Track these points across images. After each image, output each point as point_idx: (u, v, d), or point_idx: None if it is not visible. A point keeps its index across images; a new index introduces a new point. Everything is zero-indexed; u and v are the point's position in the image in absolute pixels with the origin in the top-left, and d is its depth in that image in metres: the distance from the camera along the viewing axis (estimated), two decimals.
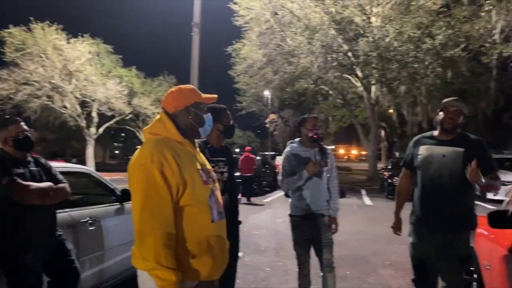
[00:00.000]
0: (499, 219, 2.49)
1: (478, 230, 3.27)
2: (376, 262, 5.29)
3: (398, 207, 3.01)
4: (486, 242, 3.02)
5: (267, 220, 8.64)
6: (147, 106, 27.07)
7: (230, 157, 3.05)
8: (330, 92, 23.43)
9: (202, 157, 1.89)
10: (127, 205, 3.89)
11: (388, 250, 5.84)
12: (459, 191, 2.61)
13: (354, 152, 80.00)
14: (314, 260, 3.34)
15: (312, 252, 3.34)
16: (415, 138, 2.94)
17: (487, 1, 14.18)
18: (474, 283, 3.25)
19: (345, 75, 20.35)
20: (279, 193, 13.63)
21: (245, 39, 21.33)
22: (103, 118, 25.32)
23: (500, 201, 10.75)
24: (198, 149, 1.89)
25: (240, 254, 5.63)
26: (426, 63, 16.50)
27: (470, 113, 24.25)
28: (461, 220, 2.63)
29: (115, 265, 3.63)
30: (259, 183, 14.55)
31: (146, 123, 29.40)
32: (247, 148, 13.98)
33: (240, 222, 3.07)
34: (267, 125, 38.39)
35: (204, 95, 1.89)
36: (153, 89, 29.15)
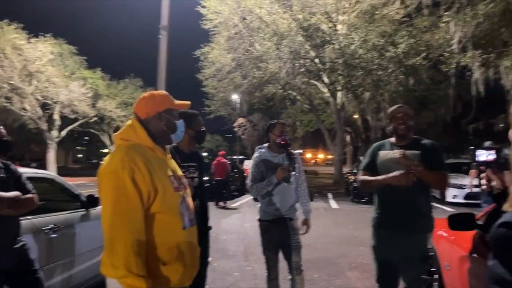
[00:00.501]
0: (458, 222, 2.62)
1: (439, 232, 3.42)
2: (342, 264, 5.40)
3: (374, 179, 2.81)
4: (446, 244, 3.17)
5: (236, 225, 8.64)
6: (112, 109, 26.44)
7: (200, 162, 3.05)
8: (298, 97, 23.78)
9: (173, 163, 1.88)
10: (93, 211, 3.79)
11: (354, 253, 5.98)
12: (417, 193, 2.71)
13: (321, 156, 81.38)
14: (282, 264, 3.39)
15: (280, 255, 3.39)
16: (374, 145, 3.04)
17: (446, 13, 14.88)
18: (435, 283, 3.40)
19: (312, 81, 20.72)
20: (248, 198, 13.65)
21: (213, 43, 21.29)
22: (65, 121, 24.50)
23: (458, 204, 11.32)
24: (169, 155, 1.88)
25: (209, 259, 5.60)
26: (389, 70, 17.07)
27: (430, 119, 25.34)
28: (420, 222, 2.74)
29: (81, 272, 3.53)
30: (228, 188, 14.53)
31: (111, 126, 28.73)
32: (221, 152, 14.00)
33: (210, 228, 3.07)
34: (236, 129, 38.42)
35: (177, 102, 1.89)
36: (119, 91, 28.52)
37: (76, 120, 24.62)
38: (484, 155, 1.63)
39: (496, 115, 24.07)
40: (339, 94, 20.53)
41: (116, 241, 1.53)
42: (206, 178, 13.98)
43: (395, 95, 19.54)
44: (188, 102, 1.93)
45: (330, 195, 15.72)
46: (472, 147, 1.72)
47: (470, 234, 2.71)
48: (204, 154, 51.95)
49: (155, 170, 1.65)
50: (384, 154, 2.86)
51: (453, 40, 14.67)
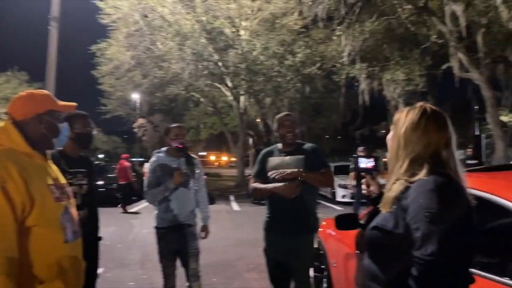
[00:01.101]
0: (343, 222, 2.83)
1: (327, 231, 3.68)
2: (241, 266, 5.49)
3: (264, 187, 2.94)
4: (334, 242, 3.41)
5: (133, 231, 8.23)
6: None
7: (90, 167, 2.83)
8: (201, 99, 23.69)
9: (55, 170, 1.71)
10: None
11: (252, 254, 6.10)
12: (305, 196, 2.85)
13: (224, 158, 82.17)
14: (180, 271, 3.32)
15: (178, 262, 3.32)
16: (263, 152, 3.13)
17: (338, 27, 16.17)
18: (325, 280, 3.64)
19: (215, 84, 20.81)
20: (146, 202, 13.15)
21: (111, 38, 20.14)
22: None
23: (346, 203, 12.36)
24: (50, 161, 1.71)
25: (100, 270, 5.24)
26: (288, 78, 17.97)
27: (324, 124, 27.32)
28: (306, 224, 2.89)
29: None
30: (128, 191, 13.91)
31: None
32: (124, 155, 13.48)
33: (100, 238, 2.86)
34: (135, 130, 36.78)
35: (61, 103, 1.73)
36: None
37: None
38: (364, 162, 1.79)
39: (378, 122, 26.94)
40: (242, 98, 20.96)
41: None
42: (100, 182, 13.33)
43: (293, 101, 20.64)
44: (74, 104, 1.78)
45: (232, 197, 15.91)
46: (354, 155, 1.89)
47: (354, 232, 2.96)
48: (100, 155, 48.66)
49: (31, 178, 1.48)
50: (273, 160, 2.95)
51: (344, 53, 15.99)
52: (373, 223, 1.40)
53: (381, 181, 1.72)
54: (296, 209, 2.82)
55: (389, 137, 1.47)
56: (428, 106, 1.43)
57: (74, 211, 1.68)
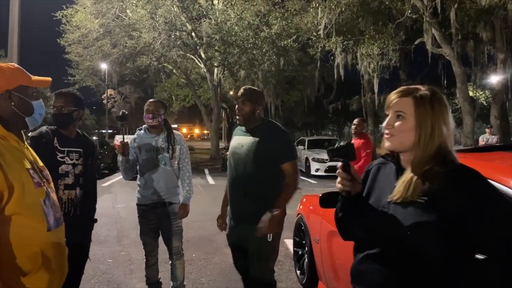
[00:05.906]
0: (328, 200, 2.83)
1: (310, 207, 3.70)
2: (220, 241, 5.47)
3: (225, 199, 2.85)
4: (316, 218, 3.43)
5: (106, 207, 8.06)
6: None
7: (87, 147, 2.63)
8: (174, 71, 23.10)
9: (32, 153, 1.58)
10: None
11: None
12: (265, 183, 2.56)
13: (196, 131, 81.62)
14: (162, 247, 3.29)
15: (160, 238, 3.28)
16: (235, 128, 2.86)
17: None
18: (306, 255, 3.68)
19: (189, 54, 20.29)
20: (119, 176, 12.90)
21: (78, 4, 19.12)
22: None
23: (321, 176, 12.58)
24: (25, 143, 1.57)
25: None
26: (263, 50, 17.70)
27: (298, 97, 27.34)
28: (261, 210, 2.50)
29: None
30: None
31: None
32: None
33: (95, 221, 2.73)
34: (104, 101, 35.71)
35: (35, 78, 1.59)
36: None
37: None
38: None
39: (352, 96, 27.19)
40: (215, 70, 20.58)
41: None
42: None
43: (268, 74, 20.46)
44: (49, 79, 1.63)
45: (206, 171, 15.86)
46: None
47: None
48: None
49: (8, 163, 1.36)
50: (234, 140, 2.75)
51: (320, 26, 15.83)
52: (408, 221, 1.24)
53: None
54: (256, 196, 2.56)
55: (401, 124, 1.31)
56: (435, 89, 1.37)
57: (54, 196, 1.57)
